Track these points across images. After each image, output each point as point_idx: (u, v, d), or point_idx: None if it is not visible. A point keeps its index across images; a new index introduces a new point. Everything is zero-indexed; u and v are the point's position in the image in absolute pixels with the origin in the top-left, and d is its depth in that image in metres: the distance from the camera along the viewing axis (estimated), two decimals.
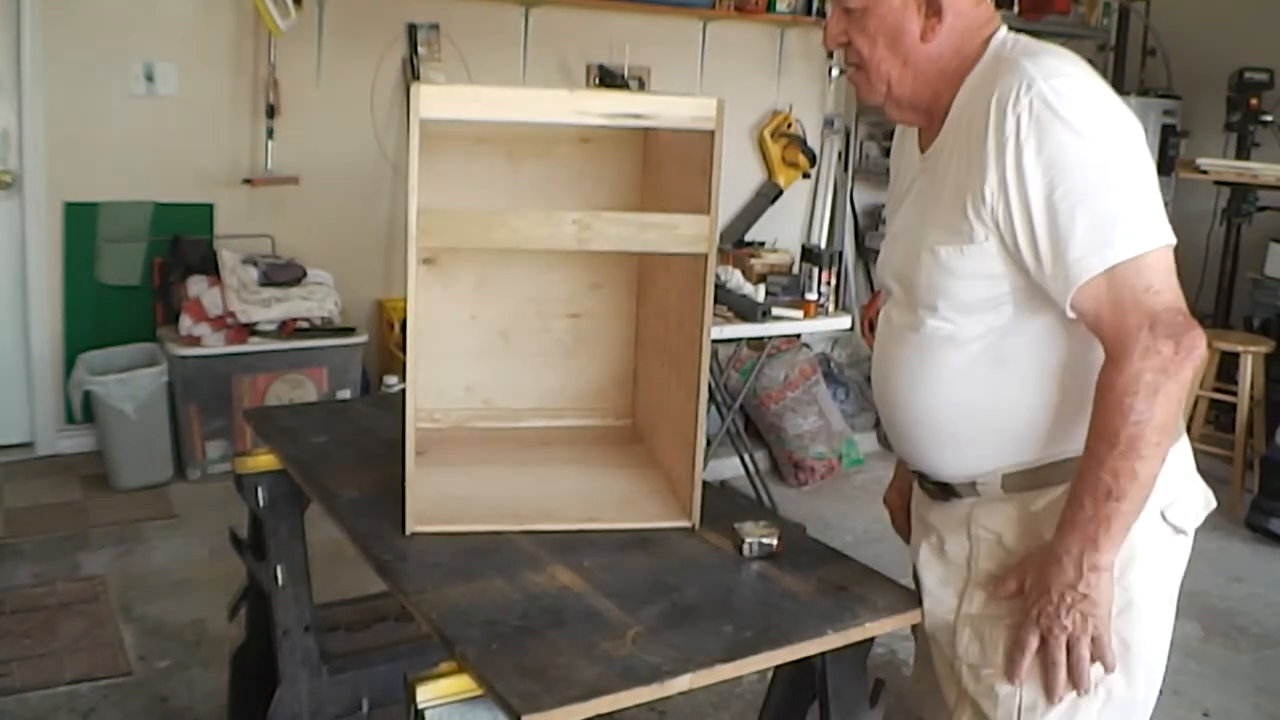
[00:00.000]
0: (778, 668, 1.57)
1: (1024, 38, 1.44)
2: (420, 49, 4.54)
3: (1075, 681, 1.37)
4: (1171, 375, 1.30)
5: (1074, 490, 1.36)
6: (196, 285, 4.02)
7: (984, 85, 1.39)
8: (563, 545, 1.63)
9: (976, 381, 1.45)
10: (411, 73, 4.51)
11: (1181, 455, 1.49)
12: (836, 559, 1.64)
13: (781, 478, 4.55)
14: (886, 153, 5.67)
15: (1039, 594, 1.38)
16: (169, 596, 3.18)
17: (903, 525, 1.79)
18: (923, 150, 1.52)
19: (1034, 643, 1.39)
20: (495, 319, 2.12)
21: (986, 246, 1.38)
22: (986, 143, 1.34)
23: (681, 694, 1.39)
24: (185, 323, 3.98)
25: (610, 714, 1.28)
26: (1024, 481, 1.46)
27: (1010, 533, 1.47)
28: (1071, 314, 1.36)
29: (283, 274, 4.12)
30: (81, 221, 4.11)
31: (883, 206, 5.68)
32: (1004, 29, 1.46)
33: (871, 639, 1.49)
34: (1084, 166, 1.31)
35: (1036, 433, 1.45)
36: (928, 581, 1.55)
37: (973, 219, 1.37)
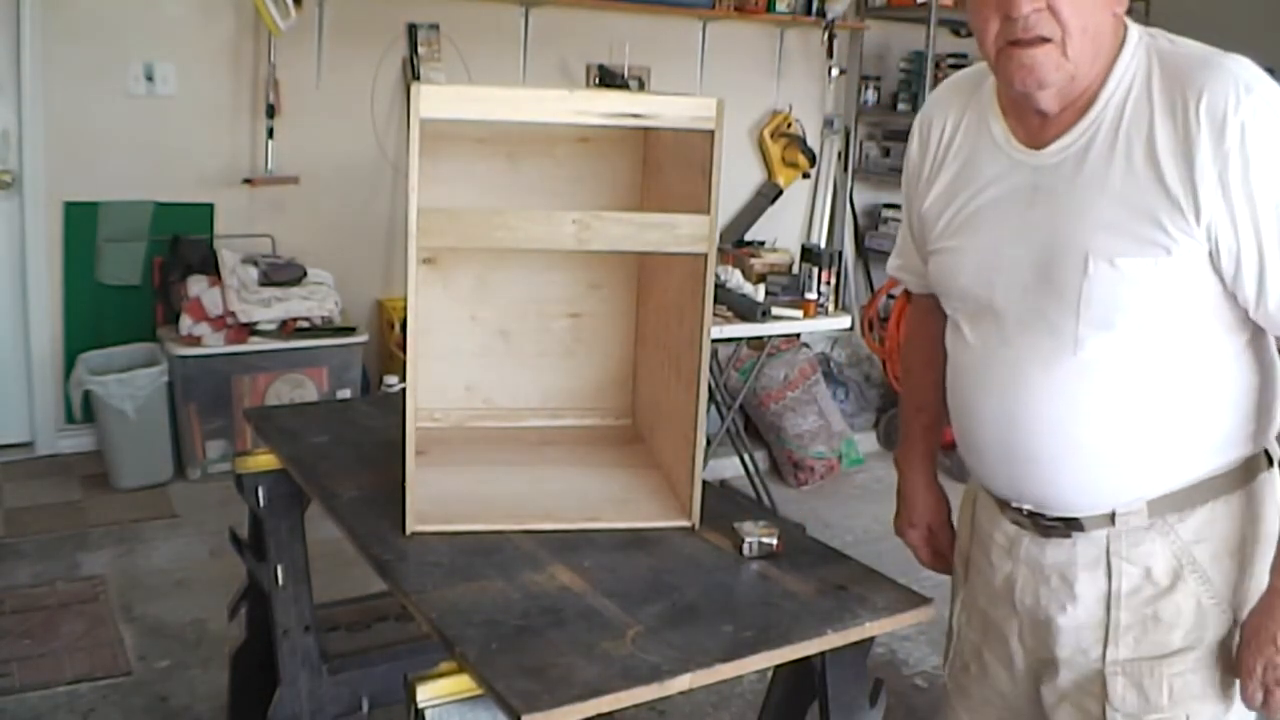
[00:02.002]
0: (777, 667, 1.57)
1: (1154, 29, 1.34)
2: (420, 49, 4.54)
3: None
4: None
5: None
6: (196, 285, 4.02)
7: (1149, 79, 1.27)
8: (563, 545, 1.63)
9: (1145, 405, 1.32)
10: (411, 73, 4.51)
11: None
12: (836, 559, 1.64)
13: (781, 478, 4.55)
14: (886, 153, 5.71)
15: (1262, 644, 1.30)
16: (169, 596, 3.18)
17: (937, 560, 1.69)
18: (1030, 142, 1.36)
19: (1259, 698, 1.31)
20: (495, 319, 2.12)
21: (1189, 261, 1.25)
22: (1196, 151, 1.21)
23: (681, 694, 1.39)
24: (185, 322, 3.98)
25: (610, 714, 1.28)
26: (1170, 504, 1.36)
27: (1160, 565, 1.36)
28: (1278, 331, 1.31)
29: (283, 274, 4.12)
30: (81, 221, 4.11)
31: (883, 206, 5.70)
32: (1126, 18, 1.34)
33: (871, 639, 1.49)
34: None
35: (1196, 454, 1.35)
36: (1051, 630, 1.43)
37: (1174, 231, 1.24)
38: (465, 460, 1.95)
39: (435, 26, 4.56)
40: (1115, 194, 1.27)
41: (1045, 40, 1.26)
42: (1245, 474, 1.38)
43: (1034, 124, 1.36)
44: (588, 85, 4.85)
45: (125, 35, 4.06)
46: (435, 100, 1.57)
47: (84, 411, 4.08)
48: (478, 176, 2.03)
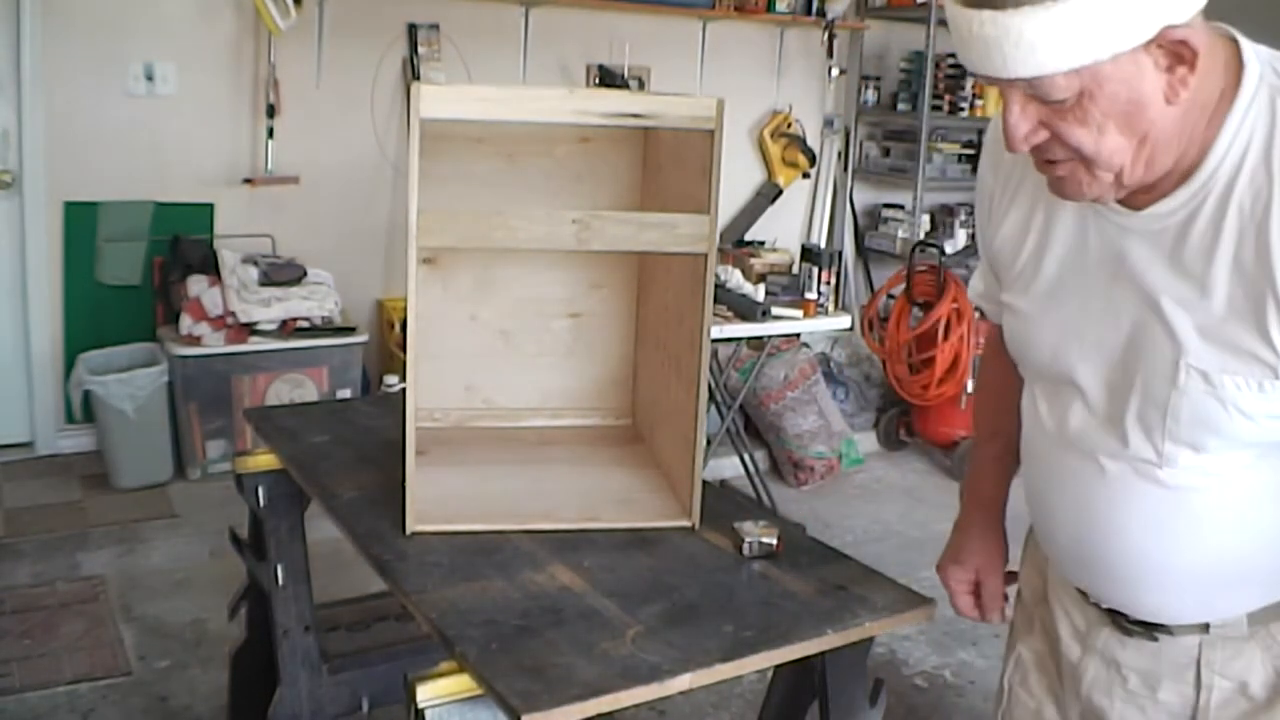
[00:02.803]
0: (777, 667, 1.57)
1: None
2: (420, 49, 4.54)
3: None
4: None
5: None
6: (196, 285, 4.02)
7: (1271, 140, 1.01)
8: (563, 545, 1.63)
9: (1245, 530, 1.14)
10: (411, 73, 4.51)
11: None
12: (836, 559, 1.64)
13: (781, 477, 4.54)
14: (886, 153, 5.71)
15: None
16: (169, 596, 3.18)
17: (976, 610, 1.51)
18: (1126, 201, 1.10)
19: None
20: (495, 319, 2.12)
21: None
22: None
23: (681, 694, 1.39)
24: (185, 322, 3.98)
25: (610, 714, 1.28)
26: (1273, 614, 1.20)
27: (1258, 678, 1.20)
28: None
29: (283, 274, 4.12)
30: (81, 221, 4.11)
31: (883, 206, 5.69)
32: (1242, 40, 1.08)
33: (871, 639, 1.49)
34: None
35: None
36: None
37: None
38: (465, 460, 1.95)
39: (435, 26, 4.56)
40: (1220, 290, 1.03)
41: (1061, 162, 1.05)
42: None
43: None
44: (588, 85, 4.84)
45: (125, 35, 4.06)
46: (435, 100, 1.57)
47: (84, 411, 4.08)
48: (478, 176, 2.03)
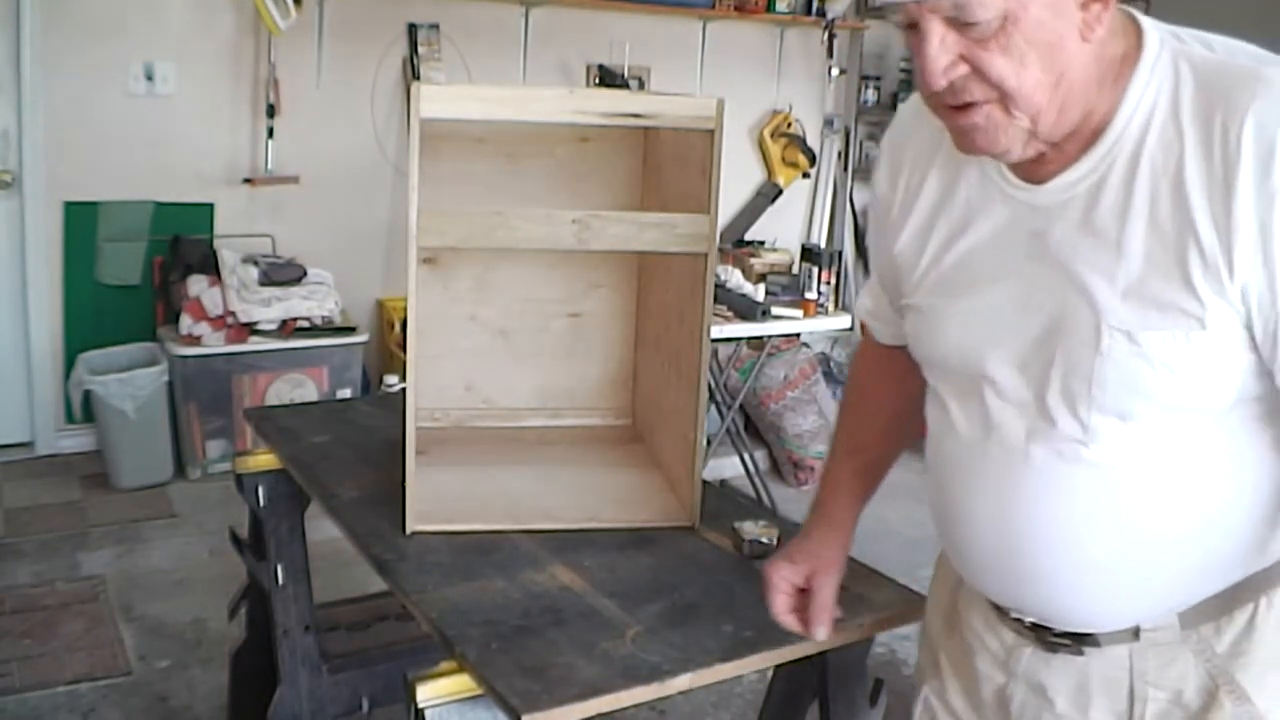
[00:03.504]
0: (777, 667, 1.57)
1: (1184, 29, 1.07)
2: (420, 49, 4.53)
3: None
4: None
5: None
6: (196, 285, 4.02)
7: (1177, 99, 1.00)
8: (563, 545, 1.63)
9: (1173, 510, 1.08)
10: (411, 73, 4.51)
11: None
12: None
13: (781, 477, 4.55)
14: None
15: None
16: (169, 596, 3.18)
17: (790, 618, 1.35)
18: (1027, 175, 1.09)
19: None
20: (495, 319, 2.12)
21: (1224, 333, 0.99)
22: (1235, 188, 0.95)
23: (681, 693, 1.39)
24: (185, 322, 3.98)
25: (610, 713, 1.28)
26: (1204, 613, 1.13)
27: (1192, 686, 1.13)
28: None
29: (283, 273, 4.12)
30: (81, 221, 4.11)
31: None
32: (1136, 12, 1.06)
33: (871, 639, 1.49)
34: None
35: (1234, 557, 1.11)
36: None
37: (1207, 295, 0.97)
38: (465, 460, 1.95)
39: (435, 26, 4.56)
40: (1136, 248, 1.01)
41: (975, 106, 1.01)
42: None
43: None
44: (588, 85, 4.84)
45: (125, 35, 4.05)
46: (435, 100, 1.57)
47: (84, 411, 4.08)
48: (478, 176, 2.03)
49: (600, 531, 1.68)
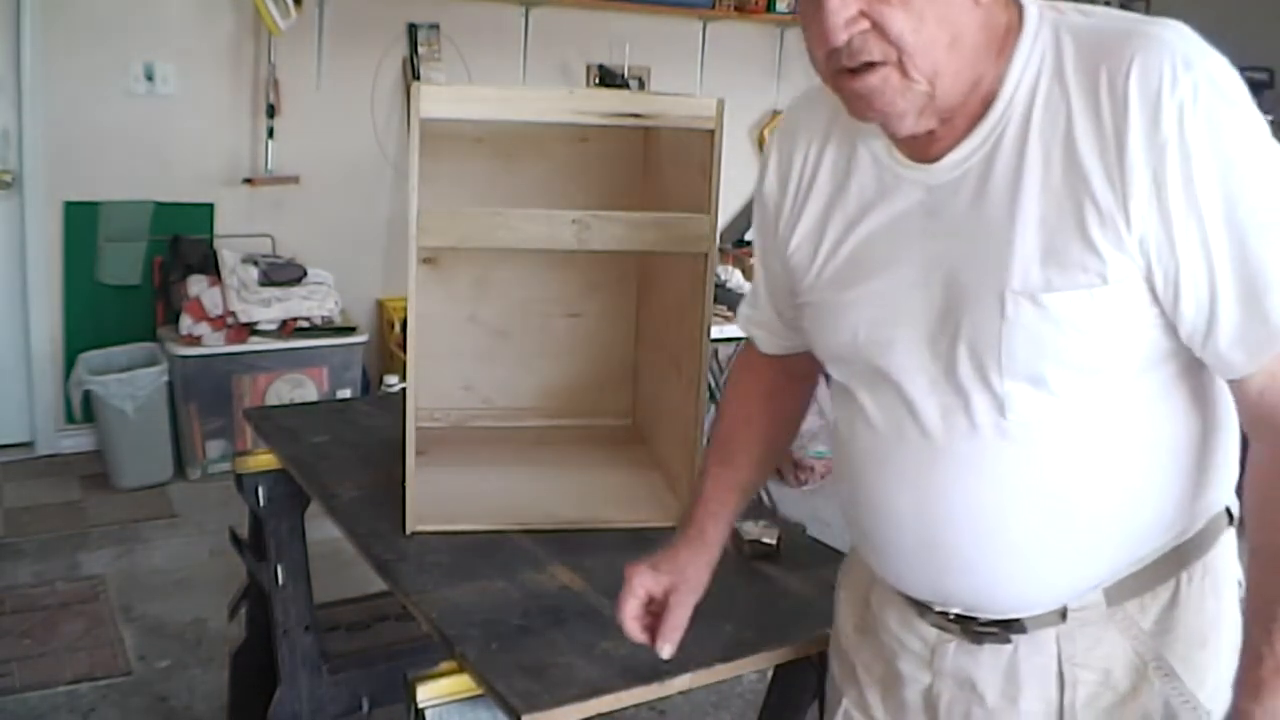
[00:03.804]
0: (778, 667, 1.57)
1: (1061, 2, 1.07)
2: (420, 49, 4.54)
3: None
4: None
5: (1270, 626, 0.99)
6: (196, 285, 4.02)
7: (1061, 63, 1.01)
8: (563, 545, 1.63)
9: (1094, 476, 1.06)
10: (411, 73, 4.51)
11: None
12: (836, 558, 1.64)
13: (781, 477, 4.54)
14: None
15: None
16: (169, 596, 3.18)
17: (638, 628, 1.28)
18: (918, 155, 1.09)
19: None
20: (495, 319, 2.12)
21: (1127, 287, 0.99)
22: (1126, 141, 0.95)
23: (681, 694, 1.39)
24: (185, 322, 3.98)
25: (610, 713, 1.28)
26: (1129, 589, 1.12)
27: (1120, 665, 1.11)
28: (1231, 375, 1.02)
29: (283, 274, 4.12)
30: (81, 221, 4.11)
31: None
32: None
33: None
34: (1273, 175, 0.97)
35: (1155, 526, 1.10)
36: None
37: (1108, 250, 0.97)
38: (465, 460, 1.95)
39: (435, 26, 4.56)
40: (1032, 212, 1.01)
41: (875, 66, 1.00)
42: (1208, 538, 1.15)
43: (920, 137, 1.09)
44: (588, 85, 4.84)
45: (125, 35, 4.05)
46: (435, 100, 1.57)
47: (84, 411, 4.08)
48: (478, 176, 2.03)
49: (600, 531, 1.68)
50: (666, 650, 1.26)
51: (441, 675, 1.30)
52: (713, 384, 4.12)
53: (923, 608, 1.18)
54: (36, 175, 4.02)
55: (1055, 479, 1.06)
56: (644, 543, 1.65)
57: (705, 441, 1.74)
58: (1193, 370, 1.06)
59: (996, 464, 1.06)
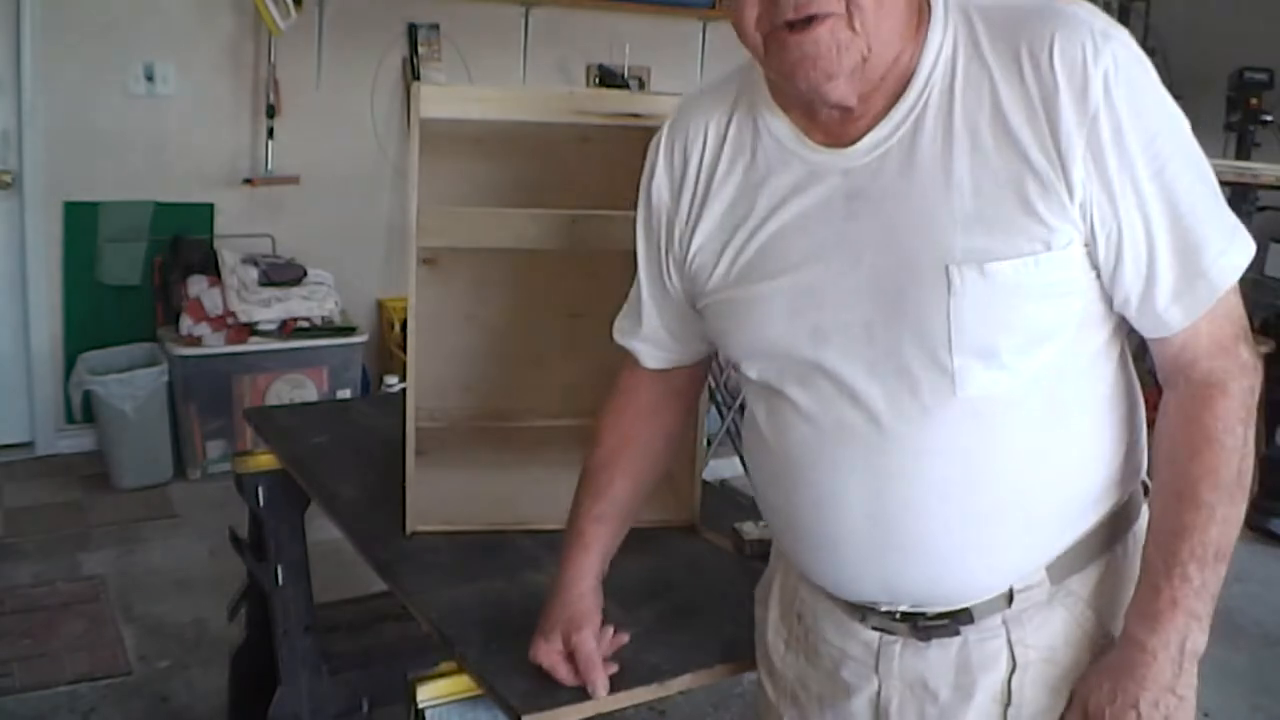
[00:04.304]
0: None
1: None
2: (420, 49, 4.54)
3: None
4: (1257, 388, 1.06)
5: (1169, 560, 1.03)
6: (196, 285, 4.02)
7: (976, 40, 1.02)
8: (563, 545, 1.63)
9: (1044, 447, 1.06)
10: (411, 73, 4.51)
11: None
12: None
13: None
14: None
15: (1123, 711, 1.04)
16: (169, 596, 3.18)
17: (573, 675, 1.26)
18: (831, 140, 1.07)
19: None
20: (495, 319, 2.12)
21: (1069, 253, 1.00)
22: (1058, 113, 0.97)
23: (681, 694, 1.39)
24: (185, 323, 3.98)
25: (610, 713, 1.28)
26: (1069, 564, 1.11)
27: (1063, 639, 1.11)
28: (1164, 333, 1.04)
29: (283, 274, 4.12)
30: (81, 221, 4.11)
31: None
32: None
33: None
34: (1187, 138, 1.02)
35: (1090, 497, 1.10)
36: None
37: (1050, 216, 0.99)
38: (465, 460, 1.95)
39: (435, 26, 4.56)
40: (967, 182, 1.00)
41: (825, 16, 0.98)
42: (1134, 507, 1.15)
43: (832, 117, 1.07)
44: (588, 85, 4.84)
45: (125, 35, 4.06)
46: (435, 100, 1.57)
47: (84, 411, 4.08)
48: (478, 176, 2.03)
49: None
50: (599, 688, 1.25)
51: (441, 675, 1.30)
52: (712, 383, 4.12)
53: (865, 611, 1.15)
54: (36, 175, 4.02)
55: (1008, 454, 1.05)
56: (644, 543, 1.66)
57: (705, 442, 1.74)
58: (1117, 336, 1.08)
59: (950, 444, 1.04)
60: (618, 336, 1.35)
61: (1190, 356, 1.04)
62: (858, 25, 0.99)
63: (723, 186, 1.15)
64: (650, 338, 1.31)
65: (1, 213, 4.05)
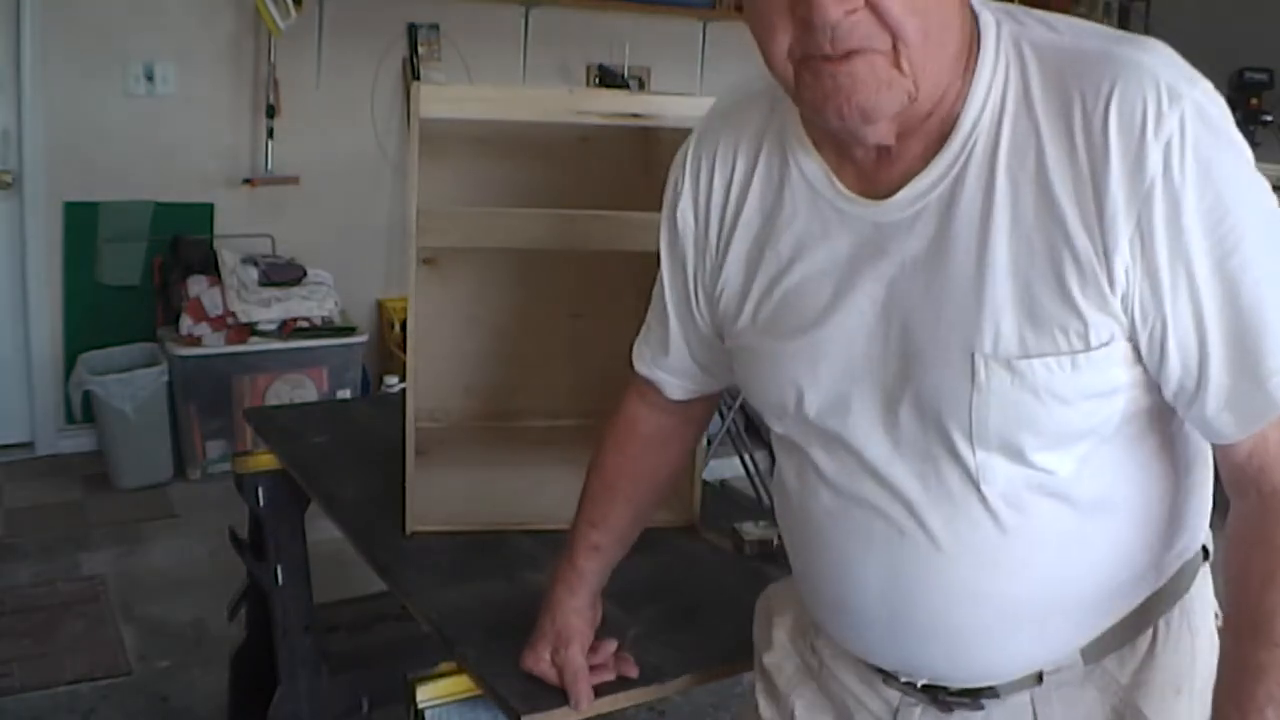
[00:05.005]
0: None
1: (1018, 7, 0.95)
2: (420, 49, 4.53)
3: None
4: None
5: (1243, 704, 0.89)
6: (196, 285, 4.02)
7: (1026, 85, 0.90)
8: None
9: (1071, 541, 0.97)
10: (411, 73, 4.51)
11: None
12: None
13: None
14: None
15: None
16: (169, 596, 3.18)
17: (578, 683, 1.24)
18: (865, 189, 0.97)
19: None
20: (495, 319, 2.12)
21: (1110, 350, 0.89)
22: (1106, 185, 0.84)
23: (681, 694, 1.39)
24: (185, 323, 3.98)
25: (610, 713, 1.28)
26: (1106, 645, 1.03)
27: None
28: (1219, 440, 0.93)
29: (283, 274, 4.12)
30: (81, 221, 4.11)
31: None
32: None
33: None
34: (1266, 220, 0.87)
35: (1133, 580, 1.02)
36: None
37: (1088, 310, 0.87)
38: (465, 460, 1.95)
39: (435, 26, 4.56)
40: (1003, 261, 0.89)
41: (866, 52, 0.86)
42: (1184, 580, 1.07)
43: (868, 161, 0.96)
44: (588, 85, 4.84)
45: (125, 35, 4.05)
46: (435, 100, 1.57)
47: (84, 411, 4.08)
48: (478, 176, 2.03)
49: None
50: (582, 703, 1.23)
51: (441, 676, 1.30)
52: None
53: (885, 674, 1.08)
54: (36, 175, 4.02)
55: (1041, 547, 0.96)
56: (644, 543, 1.65)
57: (705, 442, 1.74)
58: (1165, 415, 0.97)
59: (972, 536, 0.96)
60: (640, 367, 1.24)
61: (1259, 464, 0.91)
62: (904, 64, 0.86)
63: (750, 222, 1.05)
64: (678, 369, 1.21)
65: (1, 213, 4.05)
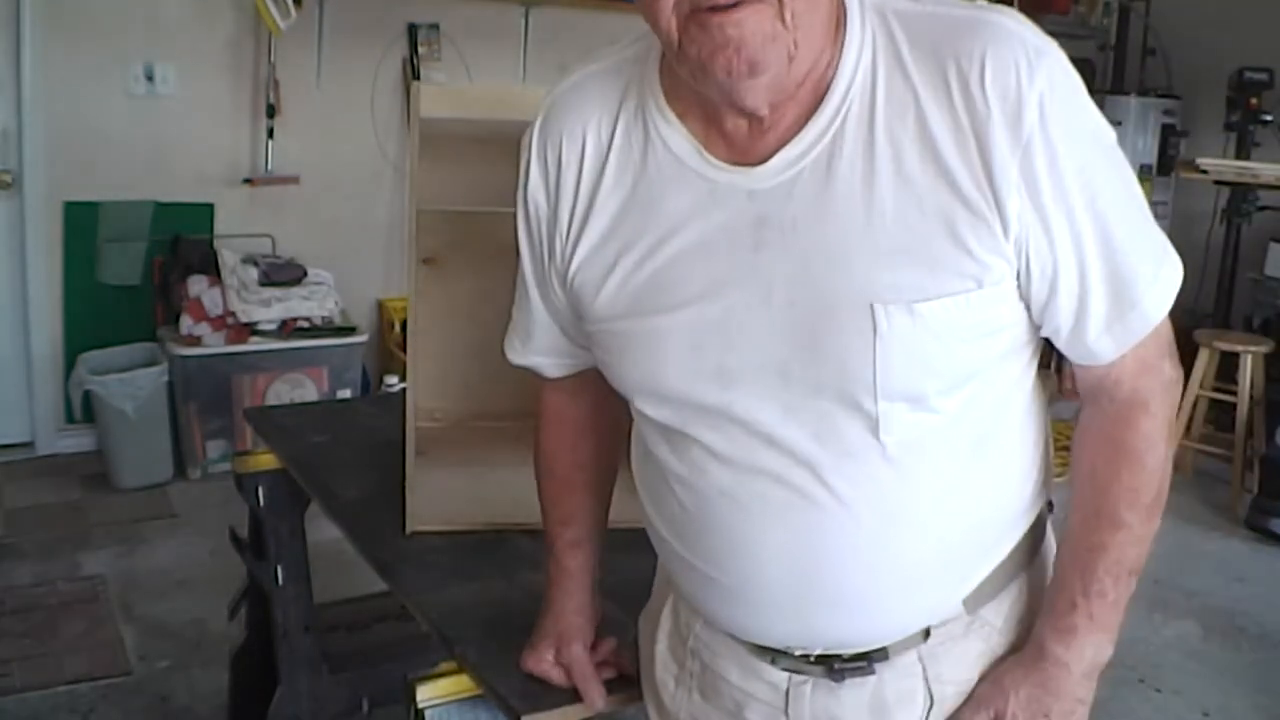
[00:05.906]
0: None
1: None
2: (420, 49, 4.54)
3: None
4: (1178, 401, 1.04)
5: (1086, 577, 1.02)
6: (196, 285, 4.02)
7: (897, 51, 0.93)
8: None
9: (967, 487, 1.01)
10: (411, 73, 4.51)
11: None
12: None
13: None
14: None
15: (1031, 716, 1.04)
16: (169, 596, 3.18)
17: (591, 682, 1.27)
18: (737, 157, 0.97)
19: None
20: (495, 318, 2.11)
21: (1002, 288, 0.94)
22: (991, 141, 0.89)
23: None
24: (185, 322, 3.98)
25: (610, 714, 1.28)
26: (984, 594, 1.07)
27: (979, 672, 1.08)
28: (1094, 362, 1.00)
29: (283, 274, 4.12)
30: (81, 221, 4.11)
31: None
32: None
33: None
34: (1118, 157, 0.96)
35: (1006, 524, 1.06)
36: None
37: (982, 251, 0.91)
38: (465, 460, 1.95)
39: (435, 26, 4.56)
40: (890, 211, 0.91)
41: (754, 1, 0.87)
42: (1041, 528, 1.12)
43: (739, 133, 0.96)
44: None
45: (125, 35, 4.06)
46: (435, 100, 1.57)
47: (84, 411, 4.08)
48: (478, 176, 2.03)
49: None
50: (597, 702, 1.25)
51: (441, 675, 1.30)
52: None
53: (775, 654, 1.07)
54: (36, 175, 4.02)
55: (931, 492, 0.98)
56: (644, 543, 1.65)
57: None
58: (1034, 357, 1.03)
59: (873, 488, 0.97)
60: (512, 357, 1.22)
61: (1116, 376, 1.00)
62: (788, 18, 0.88)
63: (608, 200, 1.02)
64: (549, 349, 1.19)
65: (1, 213, 4.05)
